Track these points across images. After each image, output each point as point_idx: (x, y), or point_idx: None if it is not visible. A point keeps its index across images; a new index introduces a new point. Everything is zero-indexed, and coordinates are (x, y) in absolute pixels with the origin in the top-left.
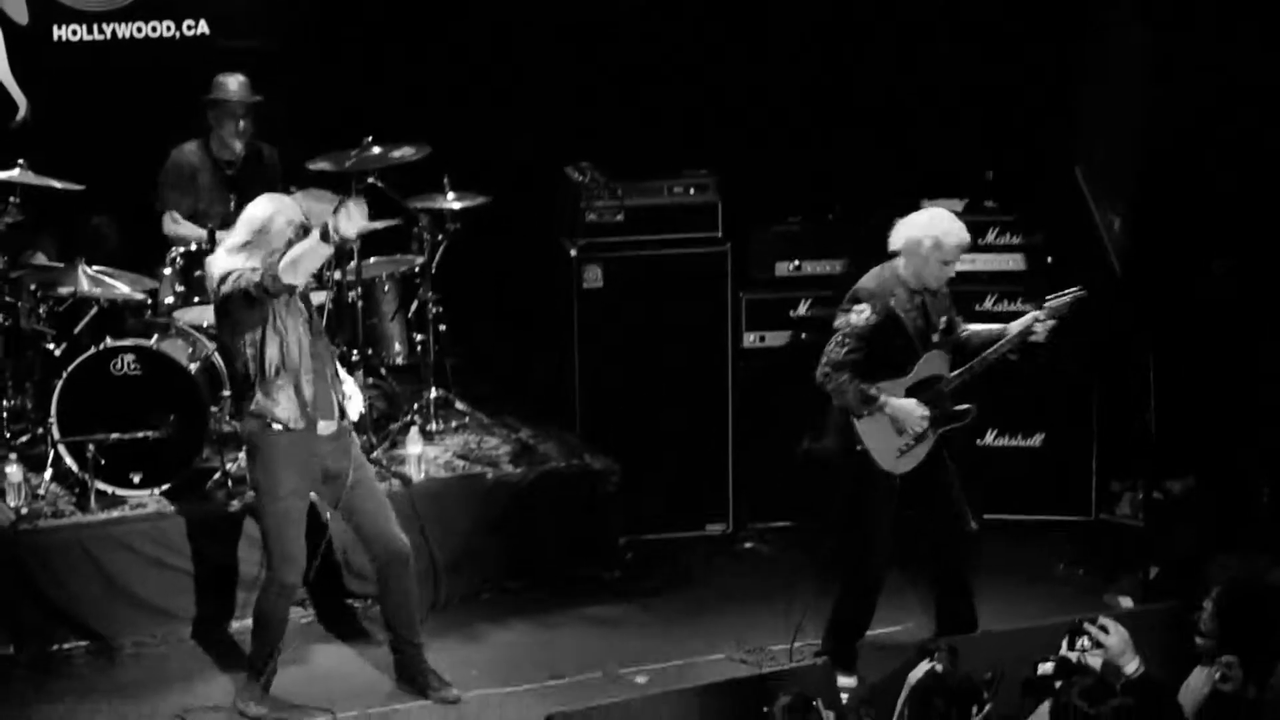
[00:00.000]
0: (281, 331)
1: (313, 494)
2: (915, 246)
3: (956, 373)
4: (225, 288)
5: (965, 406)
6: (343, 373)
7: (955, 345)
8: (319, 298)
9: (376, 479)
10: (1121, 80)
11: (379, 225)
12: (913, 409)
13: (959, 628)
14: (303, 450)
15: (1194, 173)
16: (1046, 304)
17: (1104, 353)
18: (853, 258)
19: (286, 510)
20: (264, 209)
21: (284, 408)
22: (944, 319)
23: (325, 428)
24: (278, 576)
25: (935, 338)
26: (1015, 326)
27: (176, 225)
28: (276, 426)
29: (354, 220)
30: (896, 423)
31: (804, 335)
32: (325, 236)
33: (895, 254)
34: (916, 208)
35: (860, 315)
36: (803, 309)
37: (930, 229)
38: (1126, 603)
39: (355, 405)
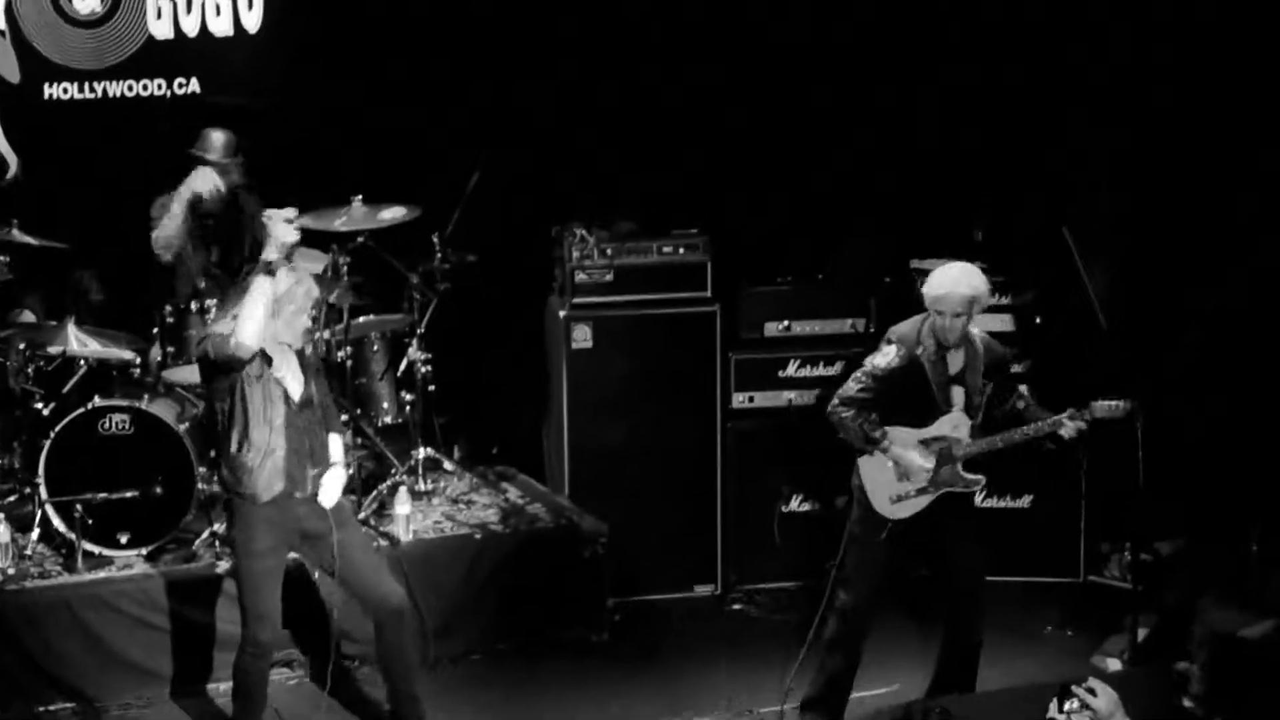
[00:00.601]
0: (249, 404)
1: (296, 554)
2: (932, 300)
3: (976, 443)
4: (196, 350)
5: (975, 477)
6: (335, 447)
7: (1007, 414)
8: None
9: (364, 535)
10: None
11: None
12: (914, 460)
13: (955, 688)
14: (277, 513)
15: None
16: (1091, 405)
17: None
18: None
19: (262, 569)
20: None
21: (247, 484)
22: (991, 385)
23: (301, 493)
24: (251, 634)
25: (976, 400)
26: (1050, 420)
27: (163, 229)
28: (246, 495)
29: (278, 234)
30: (898, 468)
31: (793, 396)
32: (267, 271)
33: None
34: (906, 268)
35: (884, 356)
36: (792, 369)
37: (939, 284)
38: (1115, 664)
39: (330, 492)
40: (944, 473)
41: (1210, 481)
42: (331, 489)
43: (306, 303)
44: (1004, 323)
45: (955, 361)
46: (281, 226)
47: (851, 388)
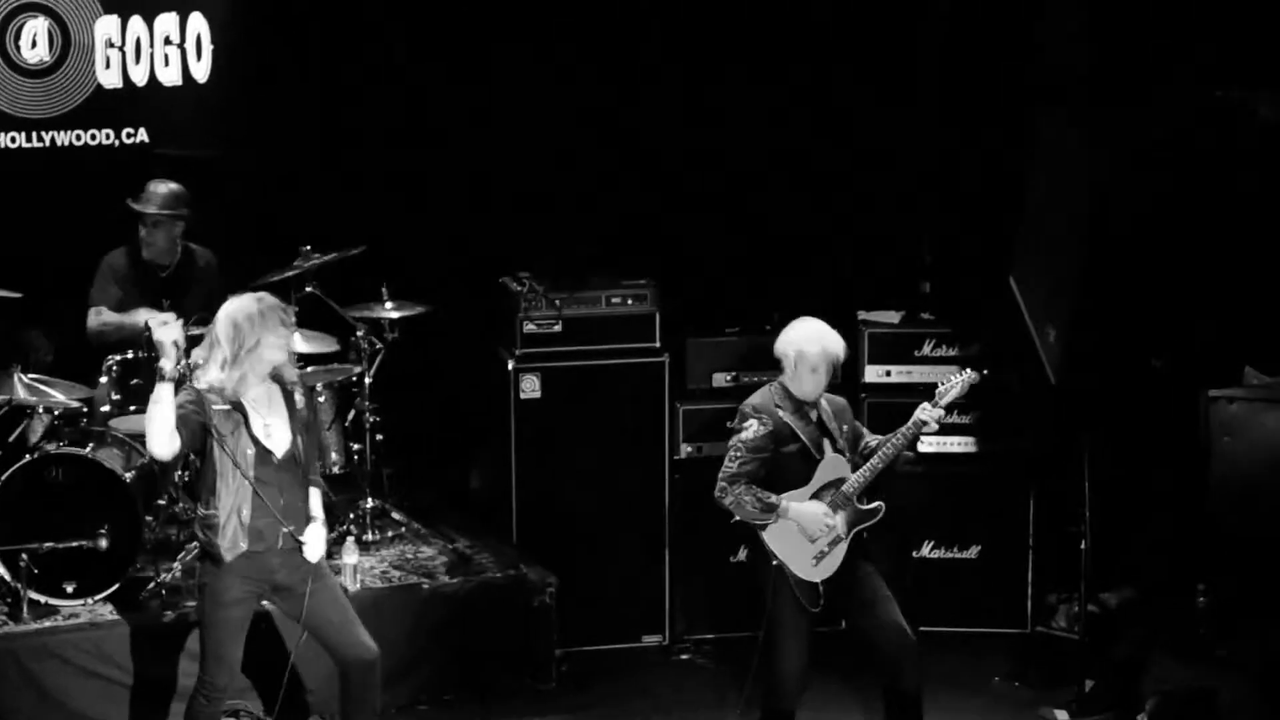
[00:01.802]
0: (218, 462)
1: (267, 604)
2: (785, 358)
3: (858, 473)
4: None
5: (874, 505)
6: (315, 501)
7: (863, 454)
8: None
9: (337, 586)
10: (1057, 190)
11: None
12: (814, 510)
13: None
14: (248, 566)
15: (1130, 281)
16: (937, 392)
17: (1039, 464)
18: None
19: (226, 618)
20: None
21: (214, 540)
22: (846, 428)
23: (272, 547)
24: (207, 678)
25: (840, 444)
26: (910, 423)
27: (100, 316)
28: (212, 551)
29: (163, 338)
30: (803, 528)
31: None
32: (161, 377)
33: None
34: (854, 318)
35: (749, 430)
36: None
37: (793, 342)
38: (1063, 716)
39: (314, 548)
40: (847, 514)
41: (1158, 533)
42: (315, 545)
43: (277, 339)
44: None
45: (813, 414)
46: (161, 331)
47: (731, 466)
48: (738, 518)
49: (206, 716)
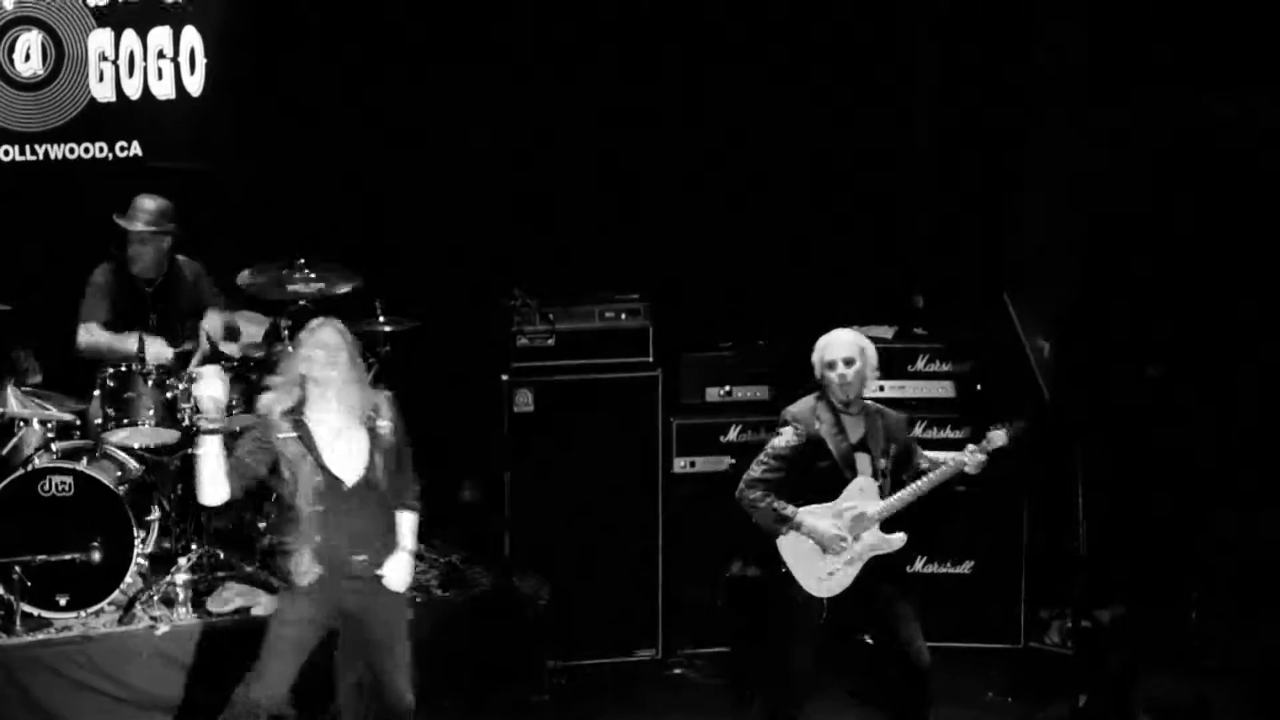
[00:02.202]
0: (286, 489)
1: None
2: (814, 367)
3: (886, 501)
4: None
5: (895, 535)
6: (404, 527)
7: (914, 475)
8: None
9: (405, 626)
10: (1051, 205)
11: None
12: (828, 529)
13: None
14: (319, 590)
15: (1123, 292)
16: (988, 436)
17: (1032, 479)
18: (779, 384)
19: (280, 634)
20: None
21: (285, 566)
22: (896, 446)
23: (343, 574)
24: (248, 690)
25: (880, 465)
26: (951, 461)
27: (91, 335)
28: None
29: (213, 386)
30: (816, 544)
31: (734, 461)
32: (199, 430)
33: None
34: None
35: (782, 437)
36: (733, 434)
37: (820, 346)
38: None
39: (396, 578)
40: (864, 539)
41: (1151, 549)
42: (397, 574)
43: (321, 354)
44: (944, 390)
45: (855, 430)
46: (201, 386)
47: (756, 470)
48: (752, 521)
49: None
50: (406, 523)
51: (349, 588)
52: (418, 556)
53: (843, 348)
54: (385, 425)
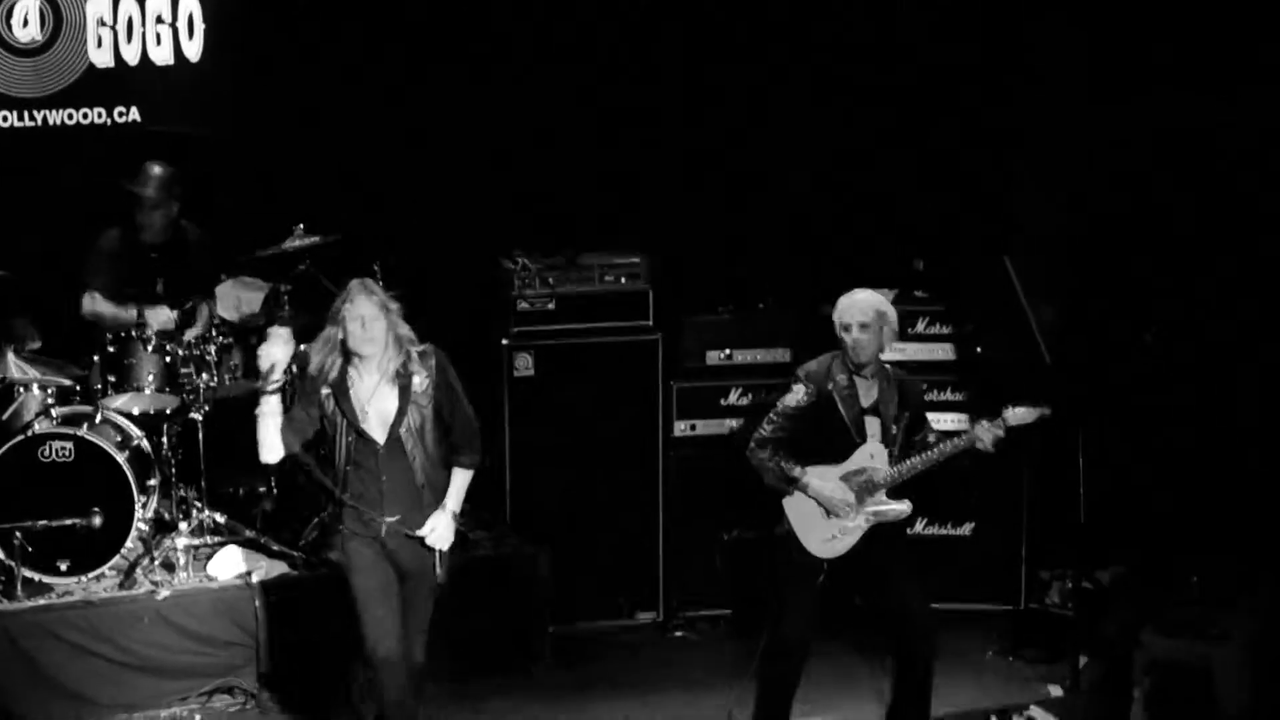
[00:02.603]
0: (334, 447)
1: None
2: (835, 327)
3: (894, 468)
4: None
5: (901, 504)
6: (453, 490)
7: (918, 445)
8: (249, 384)
9: (431, 595)
10: (1052, 167)
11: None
12: (835, 492)
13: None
14: (371, 540)
15: (1122, 258)
16: (1005, 414)
17: (1033, 441)
18: (787, 348)
19: (365, 583)
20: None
21: (342, 518)
22: (909, 413)
23: (378, 533)
24: (369, 650)
25: (892, 430)
26: (965, 434)
27: (94, 303)
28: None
29: (275, 347)
30: (823, 506)
31: (735, 424)
32: (261, 390)
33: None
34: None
35: (793, 395)
36: (733, 397)
37: (838, 305)
38: (1057, 691)
39: (440, 534)
40: (869, 504)
41: (1151, 510)
42: (438, 534)
43: (356, 327)
44: (945, 352)
45: (868, 394)
46: (269, 346)
47: (765, 429)
48: (761, 479)
49: (394, 697)
50: (457, 479)
51: (394, 546)
52: None
53: (858, 312)
54: (420, 381)
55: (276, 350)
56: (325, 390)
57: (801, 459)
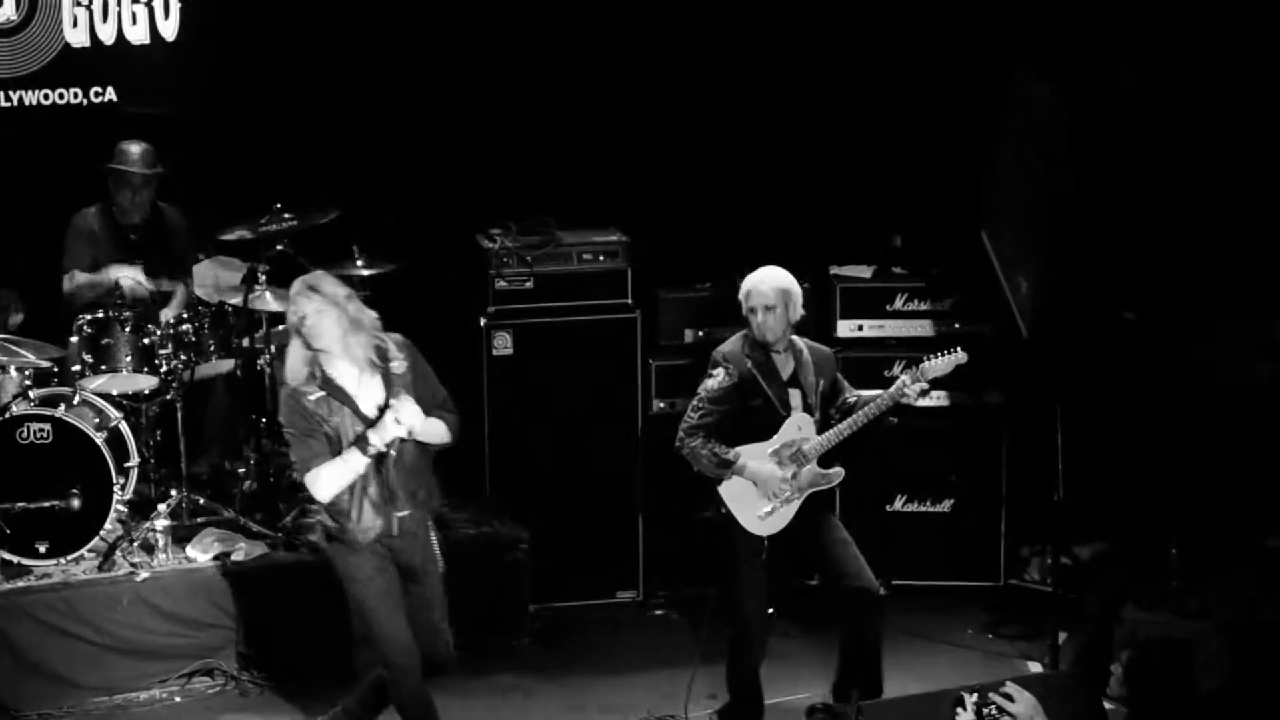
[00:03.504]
0: (335, 451)
1: None
2: (744, 299)
3: (824, 436)
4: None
5: (833, 470)
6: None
7: (842, 410)
8: (226, 364)
9: (442, 592)
10: (1029, 143)
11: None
12: (771, 472)
13: (859, 687)
14: (375, 546)
15: (1101, 232)
16: (923, 367)
17: (1012, 417)
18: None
19: (375, 592)
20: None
21: (345, 525)
22: (825, 381)
23: (390, 526)
24: (384, 658)
25: (812, 400)
26: (888, 392)
27: (72, 281)
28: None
29: (402, 413)
30: (758, 485)
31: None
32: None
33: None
34: (825, 273)
35: (714, 379)
36: None
37: (744, 284)
38: (1036, 667)
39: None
40: (803, 475)
41: (1130, 487)
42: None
43: (306, 327)
44: (923, 329)
45: (785, 367)
46: (396, 420)
47: (692, 417)
48: (694, 469)
49: (410, 695)
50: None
51: (399, 545)
52: None
53: (761, 296)
54: (399, 366)
55: (406, 419)
56: (316, 395)
57: (730, 440)
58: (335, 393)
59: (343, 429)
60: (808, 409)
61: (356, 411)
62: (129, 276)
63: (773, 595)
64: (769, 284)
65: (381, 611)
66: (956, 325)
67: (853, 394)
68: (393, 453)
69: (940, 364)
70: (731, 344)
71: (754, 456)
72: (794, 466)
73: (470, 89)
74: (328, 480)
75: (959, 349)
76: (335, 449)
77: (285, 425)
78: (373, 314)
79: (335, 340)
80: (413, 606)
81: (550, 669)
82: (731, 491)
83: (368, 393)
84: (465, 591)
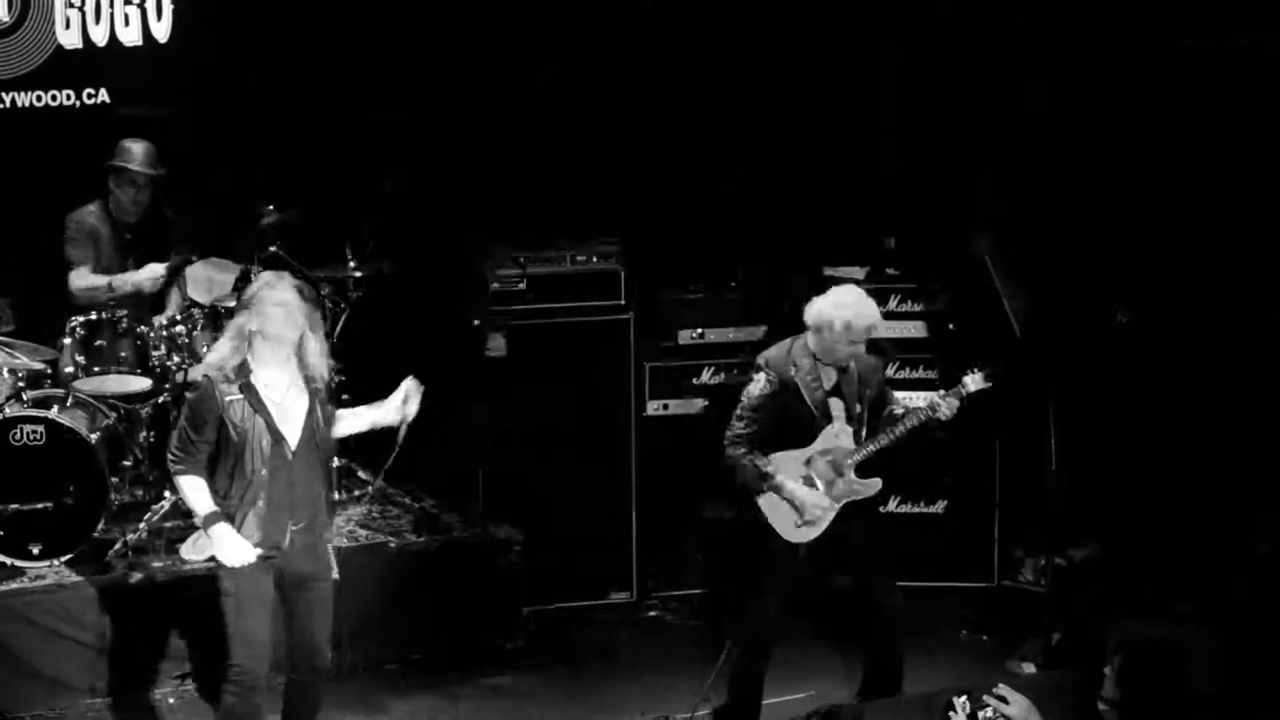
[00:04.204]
0: (231, 451)
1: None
2: (828, 325)
3: (860, 447)
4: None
5: (870, 481)
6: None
7: (887, 421)
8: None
9: (330, 592)
10: (1019, 141)
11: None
12: (810, 498)
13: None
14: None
15: (1095, 235)
16: (964, 383)
17: (1006, 418)
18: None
19: (243, 597)
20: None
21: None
22: (870, 391)
23: (278, 549)
24: (235, 662)
25: (854, 410)
26: (926, 407)
27: (84, 279)
28: None
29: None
30: (795, 509)
31: (706, 403)
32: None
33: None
34: (819, 275)
35: (757, 384)
36: (705, 377)
37: (842, 310)
38: (1029, 669)
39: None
40: (839, 486)
41: (1123, 489)
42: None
43: (279, 312)
44: (916, 330)
45: (829, 376)
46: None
47: (736, 425)
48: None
49: (244, 711)
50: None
51: (291, 551)
52: (391, 502)
53: (874, 324)
54: (323, 379)
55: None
56: (230, 393)
57: (768, 445)
58: (253, 399)
59: (250, 435)
60: (849, 419)
61: (270, 425)
62: (148, 278)
63: (799, 602)
64: (876, 314)
65: (241, 607)
66: (950, 326)
67: (899, 406)
68: (292, 448)
69: (980, 378)
70: (778, 350)
71: (789, 466)
72: (831, 475)
73: (466, 87)
74: (187, 493)
75: (991, 368)
76: (238, 449)
77: (184, 408)
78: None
79: (290, 332)
80: (296, 614)
81: (544, 670)
82: (768, 501)
83: (291, 404)
84: (459, 593)
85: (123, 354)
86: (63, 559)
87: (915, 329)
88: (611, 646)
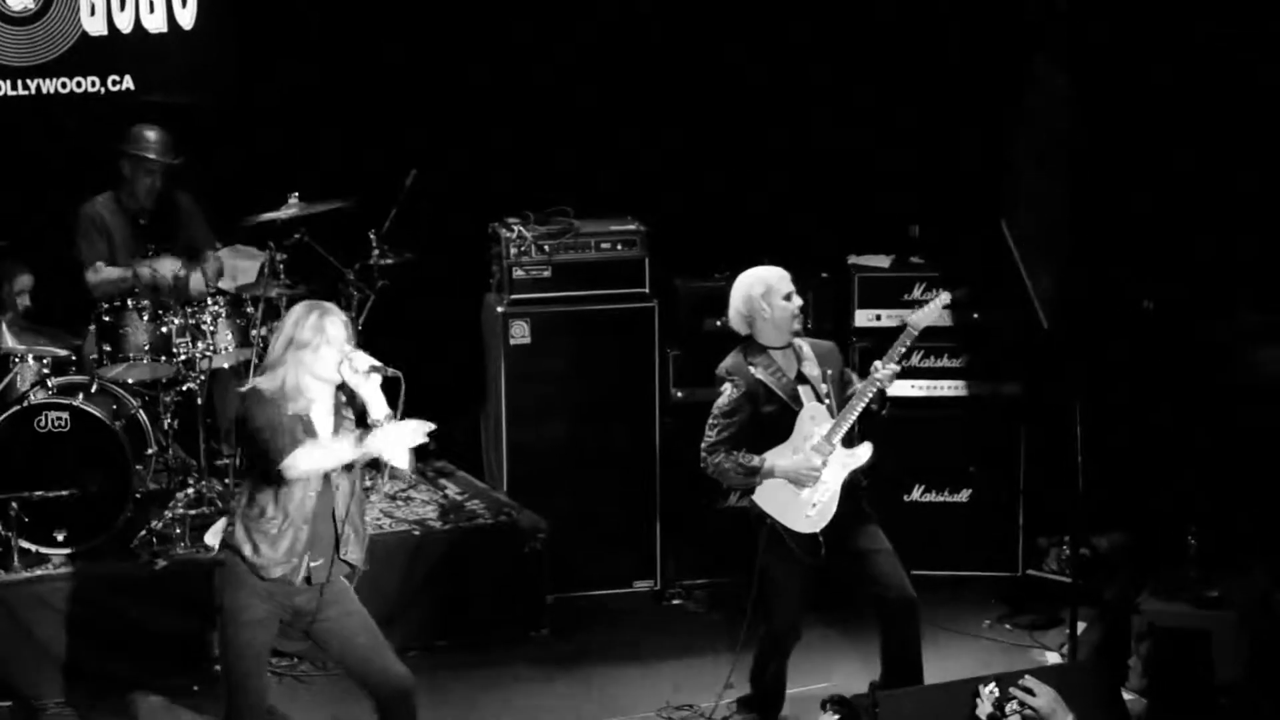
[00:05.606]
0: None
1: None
2: (756, 305)
3: (836, 422)
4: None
5: (861, 446)
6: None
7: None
8: (244, 354)
9: (364, 613)
10: (1048, 130)
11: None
12: (801, 461)
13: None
14: (274, 586)
15: (1119, 221)
16: (910, 319)
17: (1030, 407)
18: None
19: (247, 641)
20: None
21: (260, 551)
22: (832, 372)
23: (309, 572)
24: (229, 705)
25: (821, 390)
26: (870, 378)
27: (98, 274)
28: (253, 563)
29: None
30: (791, 482)
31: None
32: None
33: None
34: (843, 262)
35: (724, 395)
36: None
37: (753, 287)
38: (1054, 658)
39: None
40: (832, 462)
41: (1148, 476)
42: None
43: (331, 353)
44: (942, 317)
45: (789, 365)
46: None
47: (710, 435)
48: (725, 485)
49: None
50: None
51: (300, 588)
52: (415, 489)
53: (788, 279)
54: (352, 414)
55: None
56: (291, 412)
57: (751, 449)
58: (306, 421)
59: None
60: (819, 399)
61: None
62: (167, 270)
63: (816, 596)
64: (775, 272)
65: (245, 667)
66: (975, 315)
67: (856, 384)
68: (341, 503)
69: (925, 313)
70: (732, 358)
71: (779, 456)
72: (821, 453)
73: (488, 79)
74: (306, 459)
75: (940, 290)
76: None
77: (253, 420)
78: None
79: (339, 376)
80: (350, 638)
81: (567, 658)
82: (769, 500)
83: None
84: (483, 580)
85: (147, 342)
86: (87, 546)
87: (940, 317)
88: (635, 635)
